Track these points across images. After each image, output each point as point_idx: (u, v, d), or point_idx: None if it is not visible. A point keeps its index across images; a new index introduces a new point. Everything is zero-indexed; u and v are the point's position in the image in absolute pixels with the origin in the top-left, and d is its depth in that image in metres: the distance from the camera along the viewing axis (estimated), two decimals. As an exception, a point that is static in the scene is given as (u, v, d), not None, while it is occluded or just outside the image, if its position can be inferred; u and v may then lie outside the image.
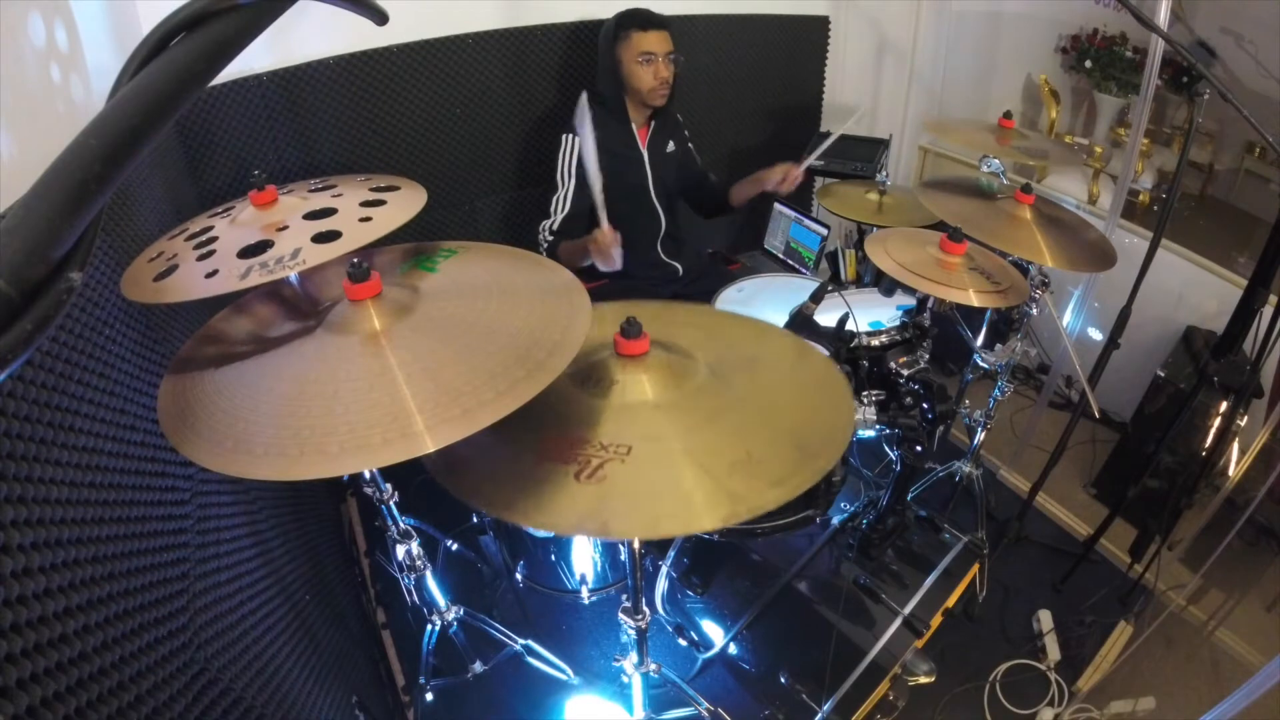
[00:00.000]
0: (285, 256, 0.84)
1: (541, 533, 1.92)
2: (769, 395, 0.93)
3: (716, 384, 0.90)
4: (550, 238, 1.95)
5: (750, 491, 0.74)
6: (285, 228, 0.91)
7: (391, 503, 1.22)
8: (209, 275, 0.83)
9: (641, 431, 0.81)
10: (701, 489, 0.75)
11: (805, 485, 0.75)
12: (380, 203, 0.97)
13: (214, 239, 0.91)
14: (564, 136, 1.92)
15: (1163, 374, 2.10)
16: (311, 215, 0.93)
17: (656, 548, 1.61)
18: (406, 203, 0.98)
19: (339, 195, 1.00)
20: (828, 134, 1.99)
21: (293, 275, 0.87)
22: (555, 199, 1.95)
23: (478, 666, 1.60)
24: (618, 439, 0.80)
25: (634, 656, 1.20)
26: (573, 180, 1.93)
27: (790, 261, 2.41)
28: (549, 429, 0.82)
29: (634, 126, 2.01)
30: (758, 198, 2.09)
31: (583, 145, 1.49)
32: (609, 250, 1.67)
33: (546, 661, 1.62)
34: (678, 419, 0.84)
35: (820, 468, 0.78)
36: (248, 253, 0.86)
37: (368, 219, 0.92)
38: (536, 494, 0.75)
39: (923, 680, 1.34)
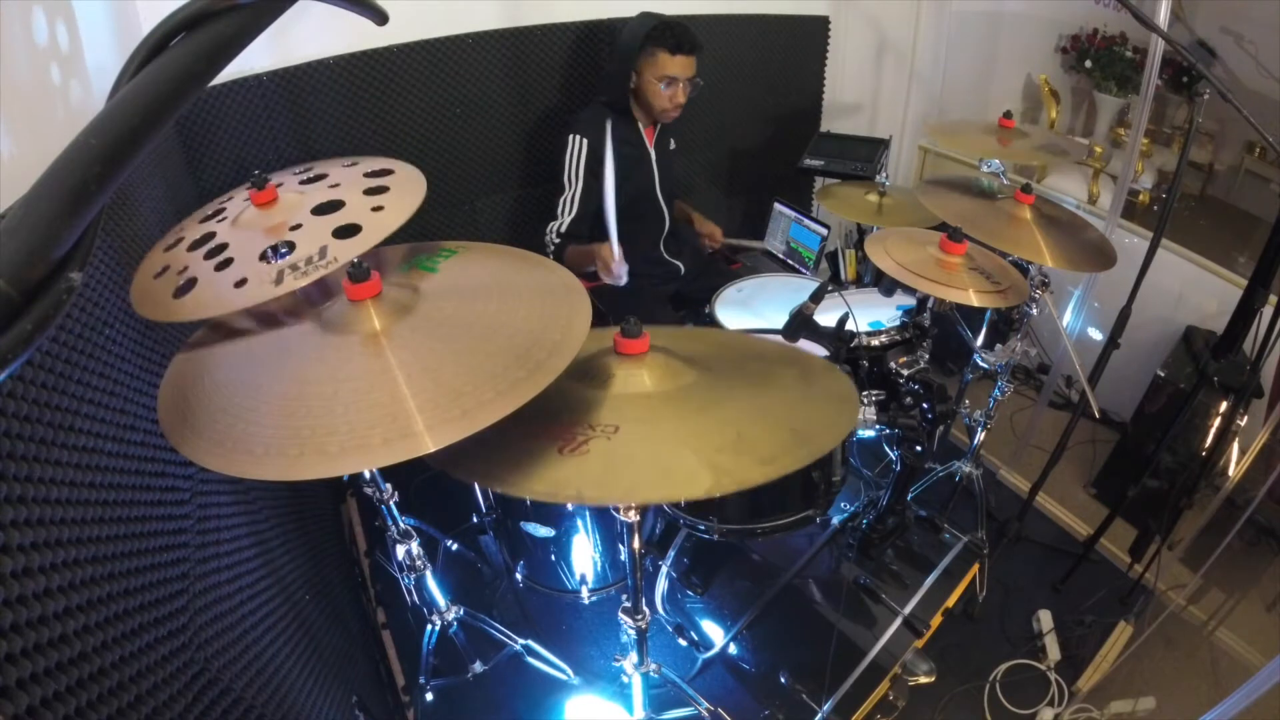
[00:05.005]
0: (314, 256, 0.83)
1: (541, 532, 1.92)
2: (769, 393, 0.93)
3: (714, 381, 0.90)
4: (557, 240, 1.90)
5: (737, 466, 0.74)
6: (299, 226, 0.90)
7: (391, 503, 1.22)
8: (238, 284, 0.82)
9: (633, 416, 0.82)
10: (684, 463, 0.75)
11: (797, 465, 0.75)
12: (383, 189, 0.96)
13: (223, 245, 0.89)
14: (571, 137, 1.88)
15: (1163, 374, 2.10)
16: (320, 210, 0.92)
17: (657, 547, 1.61)
18: (408, 185, 0.97)
19: (336, 185, 0.99)
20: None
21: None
22: (562, 200, 1.91)
23: (478, 666, 1.60)
24: (607, 420, 0.81)
25: (634, 656, 1.20)
26: (580, 182, 1.89)
27: (790, 261, 2.41)
28: (543, 416, 0.81)
29: (640, 125, 1.99)
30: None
31: (605, 166, 1.47)
32: (613, 268, 1.64)
33: (546, 661, 1.62)
34: (671, 407, 0.84)
35: (815, 450, 0.77)
36: (269, 256, 0.85)
37: (379, 208, 0.91)
38: (517, 463, 0.76)
39: (923, 680, 1.34)
